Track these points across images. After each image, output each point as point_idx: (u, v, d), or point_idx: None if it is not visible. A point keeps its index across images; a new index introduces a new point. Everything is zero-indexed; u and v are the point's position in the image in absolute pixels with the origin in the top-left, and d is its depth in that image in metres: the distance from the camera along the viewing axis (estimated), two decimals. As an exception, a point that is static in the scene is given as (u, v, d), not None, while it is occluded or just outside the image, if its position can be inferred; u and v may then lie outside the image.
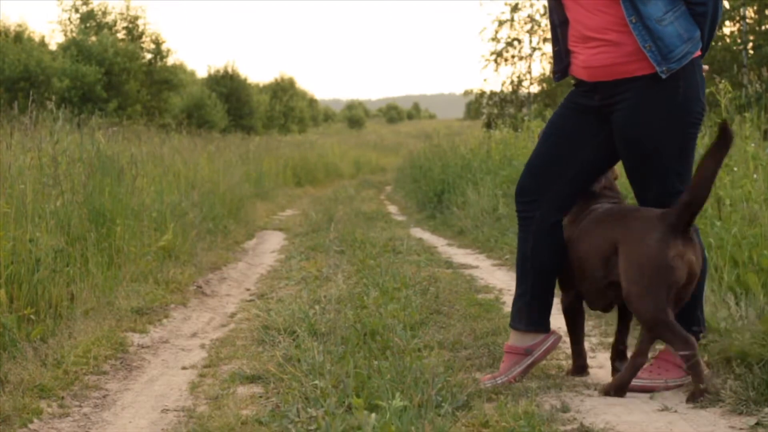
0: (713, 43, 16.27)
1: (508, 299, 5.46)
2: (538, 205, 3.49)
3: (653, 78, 3.30)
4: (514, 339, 3.55)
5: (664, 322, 3.23)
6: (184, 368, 4.00)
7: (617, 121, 3.38)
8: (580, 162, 3.47)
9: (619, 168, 3.74)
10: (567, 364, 3.83)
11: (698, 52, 3.35)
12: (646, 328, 3.28)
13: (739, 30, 15.43)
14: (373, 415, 2.79)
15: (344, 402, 3.10)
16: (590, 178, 3.53)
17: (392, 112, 72.54)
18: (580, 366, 3.65)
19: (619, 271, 3.31)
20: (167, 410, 3.36)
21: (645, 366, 3.39)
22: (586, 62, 3.40)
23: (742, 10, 15.19)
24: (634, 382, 3.37)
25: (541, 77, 29.73)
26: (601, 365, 3.83)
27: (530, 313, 3.51)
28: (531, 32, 29.84)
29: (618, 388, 3.35)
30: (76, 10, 28.64)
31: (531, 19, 29.75)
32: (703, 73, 3.43)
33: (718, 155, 3.16)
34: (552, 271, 3.53)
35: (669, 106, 3.30)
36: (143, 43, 28.45)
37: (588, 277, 3.45)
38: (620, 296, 3.35)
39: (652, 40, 3.26)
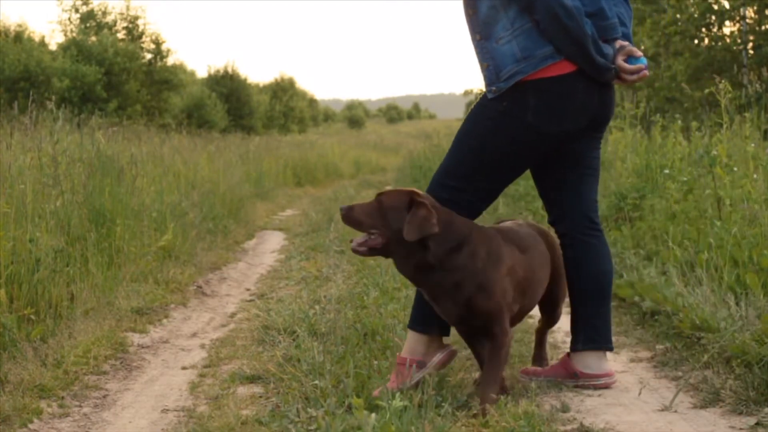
0: (713, 43, 16.31)
1: (508, 299, 5.46)
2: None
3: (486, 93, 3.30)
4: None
5: None
6: (184, 368, 4.00)
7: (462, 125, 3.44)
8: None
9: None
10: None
11: (546, 72, 3.21)
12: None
13: (739, 30, 15.42)
14: (373, 415, 2.79)
15: (344, 402, 3.10)
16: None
17: (392, 112, 72.55)
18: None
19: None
20: (167, 410, 3.36)
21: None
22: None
23: (742, 10, 15.19)
24: None
25: (541, 77, 29.70)
26: (601, 365, 3.83)
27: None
28: (531, 32, 29.80)
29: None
30: (76, 10, 28.62)
31: (531, 19, 29.72)
32: (630, 78, 3.33)
33: None
34: None
35: (488, 115, 3.28)
36: (143, 43, 28.43)
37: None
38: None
39: (490, 59, 3.24)
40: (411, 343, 3.39)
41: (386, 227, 3.11)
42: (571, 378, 3.48)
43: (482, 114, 3.31)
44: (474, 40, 3.29)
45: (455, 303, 3.15)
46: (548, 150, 3.34)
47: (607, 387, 3.46)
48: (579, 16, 3.18)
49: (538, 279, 3.39)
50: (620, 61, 3.33)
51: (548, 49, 3.19)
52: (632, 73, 3.35)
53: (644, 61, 3.37)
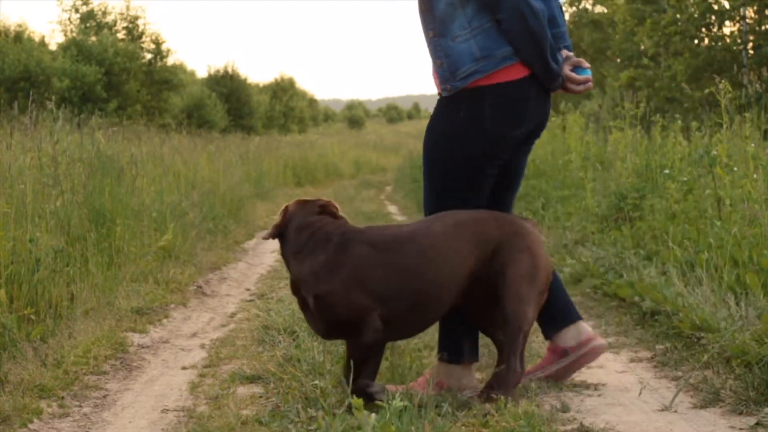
0: (713, 43, 16.32)
1: (508, 299, 5.46)
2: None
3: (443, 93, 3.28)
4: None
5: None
6: (184, 368, 4.00)
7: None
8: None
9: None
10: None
11: (503, 77, 3.18)
12: (521, 337, 3.21)
13: (739, 30, 15.42)
14: (373, 415, 2.79)
15: (344, 402, 3.10)
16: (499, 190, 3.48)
17: (392, 112, 72.52)
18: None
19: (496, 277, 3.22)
20: (167, 410, 3.36)
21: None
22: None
23: (742, 10, 15.19)
24: None
25: (541, 77, 29.70)
26: (601, 365, 3.83)
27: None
28: (531, 32, 29.81)
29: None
30: (76, 10, 28.62)
31: (531, 19, 29.72)
32: (577, 87, 3.33)
33: None
34: None
35: (447, 125, 3.25)
36: (143, 43, 28.43)
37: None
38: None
39: (444, 56, 3.21)
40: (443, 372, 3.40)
41: None
42: (562, 357, 3.45)
43: (440, 132, 3.28)
44: (427, 36, 3.25)
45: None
46: (504, 157, 3.32)
47: (599, 352, 3.45)
48: (544, 18, 3.18)
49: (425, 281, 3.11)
50: (567, 70, 3.34)
51: (507, 49, 3.18)
52: (580, 83, 3.35)
53: (589, 72, 3.39)
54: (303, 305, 3.12)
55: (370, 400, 2.98)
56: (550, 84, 3.26)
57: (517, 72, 3.20)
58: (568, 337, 3.46)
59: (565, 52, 3.36)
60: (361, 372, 3.06)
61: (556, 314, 3.45)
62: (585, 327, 3.50)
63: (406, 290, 3.05)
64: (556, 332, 3.47)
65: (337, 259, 3.03)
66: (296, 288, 3.11)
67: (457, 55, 3.18)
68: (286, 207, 3.22)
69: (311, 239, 3.09)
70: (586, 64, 3.38)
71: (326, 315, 3.03)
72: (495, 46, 3.16)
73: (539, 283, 3.14)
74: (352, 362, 3.05)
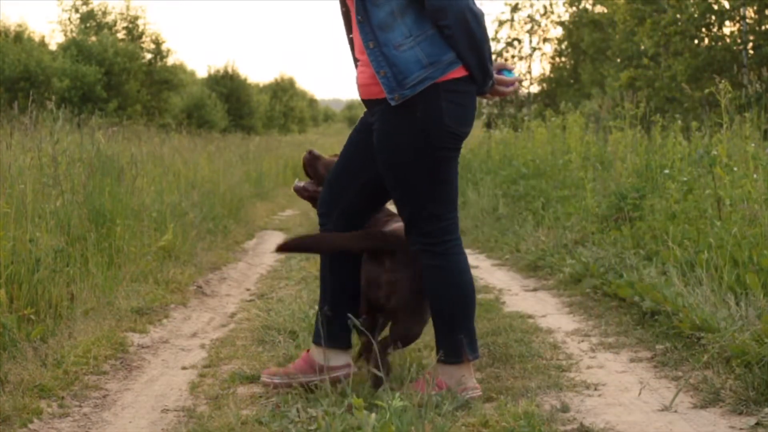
0: (713, 43, 16.33)
1: (508, 299, 5.47)
2: (329, 218, 3.45)
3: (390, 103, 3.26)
4: (314, 352, 3.47)
5: None
6: (184, 368, 4.00)
7: (374, 142, 3.34)
8: (368, 177, 3.42)
9: None
10: (566, 364, 3.83)
11: (450, 75, 3.19)
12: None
13: (739, 30, 15.43)
14: (373, 415, 2.79)
15: (344, 402, 3.10)
16: (380, 192, 3.45)
17: (392, 112, 72.44)
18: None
19: None
20: (167, 410, 3.36)
21: None
22: (357, 79, 3.39)
23: (742, 10, 15.20)
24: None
25: (541, 77, 29.74)
26: (601, 365, 3.84)
27: (329, 328, 3.41)
28: (531, 32, 29.86)
29: None
30: (76, 10, 28.64)
31: (531, 19, 29.78)
32: (508, 89, 3.37)
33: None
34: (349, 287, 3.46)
35: (408, 131, 3.22)
36: (143, 43, 28.45)
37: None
38: None
39: (387, 66, 3.19)
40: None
41: None
42: (313, 373, 3.43)
43: (399, 137, 3.24)
44: (367, 47, 3.23)
45: None
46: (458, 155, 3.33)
47: (345, 378, 3.40)
48: (485, 22, 3.22)
49: None
50: (495, 73, 3.37)
51: (452, 54, 3.20)
52: (509, 84, 3.39)
53: (515, 74, 3.43)
54: None
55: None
56: (484, 87, 3.30)
57: (461, 71, 3.23)
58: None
59: None
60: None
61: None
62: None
63: None
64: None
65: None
66: None
67: (403, 63, 3.18)
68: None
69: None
70: (511, 66, 3.43)
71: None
72: (440, 52, 3.19)
73: None
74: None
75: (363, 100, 3.38)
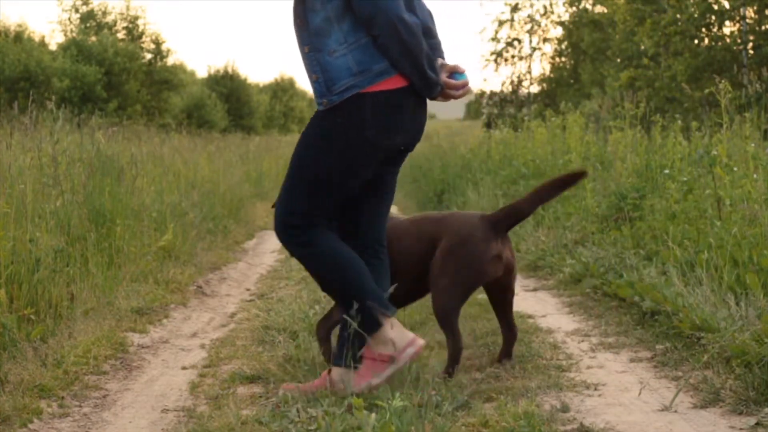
0: (713, 43, 16.32)
1: (508, 299, 5.46)
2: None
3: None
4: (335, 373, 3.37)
5: (453, 318, 3.56)
6: (184, 368, 4.00)
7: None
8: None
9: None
10: (566, 364, 3.83)
11: (381, 86, 3.20)
12: (438, 317, 3.60)
13: (739, 30, 15.43)
14: (373, 415, 2.79)
15: (344, 402, 3.10)
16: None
17: (392, 112, 72.41)
18: None
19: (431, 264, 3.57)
20: (167, 410, 3.36)
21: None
22: None
23: (742, 10, 15.20)
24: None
25: (541, 77, 29.76)
26: (601, 365, 3.84)
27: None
28: (531, 32, 29.88)
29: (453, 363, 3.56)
30: (76, 10, 28.65)
31: (531, 19, 29.80)
32: (458, 93, 3.36)
33: (558, 188, 3.69)
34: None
35: (324, 133, 3.25)
36: (143, 43, 28.46)
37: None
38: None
39: (320, 72, 3.22)
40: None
41: None
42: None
43: (316, 134, 3.29)
44: (302, 51, 3.26)
45: None
46: (380, 165, 3.33)
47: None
48: (418, 31, 3.21)
49: None
50: (445, 77, 3.36)
51: (384, 64, 3.20)
52: (458, 88, 3.38)
53: (465, 76, 3.42)
54: None
55: None
56: (429, 93, 3.30)
57: (395, 82, 3.23)
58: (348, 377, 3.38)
59: (440, 61, 3.39)
60: None
61: None
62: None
63: None
64: None
65: None
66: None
67: (334, 70, 3.20)
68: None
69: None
70: (462, 69, 3.41)
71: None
72: (371, 60, 3.19)
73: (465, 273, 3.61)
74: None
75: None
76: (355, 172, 3.30)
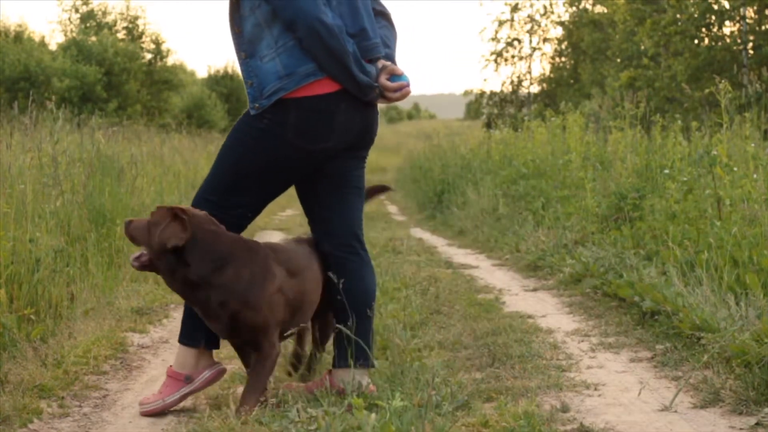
0: (713, 43, 16.32)
1: (508, 299, 5.47)
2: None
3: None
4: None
5: None
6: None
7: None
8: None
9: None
10: (566, 364, 3.83)
11: (308, 91, 3.21)
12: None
13: (739, 30, 15.43)
14: (373, 415, 2.79)
15: (344, 402, 3.10)
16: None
17: (392, 112, 72.51)
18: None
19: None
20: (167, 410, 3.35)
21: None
22: None
23: (742, 10, 15.20)
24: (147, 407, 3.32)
25: (541, 77, 29.77)
26: (601, 365, 3.84)
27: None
28: (531, 32, 29.89)
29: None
30: (76, 10, 28.65)
31: (531, 19, 29.82)
32: (392, 96, 3.34)
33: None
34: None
35: (248, 132, 3.26)
36: (143, 43, 28.46)
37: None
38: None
39: (254, 77, 3.23)
40: (180, 357, 3.38)
41: (149, 243, 3.14)
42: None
43: (244, 132, 3.30)
44: (240, 58, 3.28)
45: (221, 319, 3.16)
46: (308, 168, 3.33)
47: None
48: (340, 34, 3.19)
49: (310, 299, 3.35)
50: (383, 79, 3.34)
51: (310, 66, 3.20)
52: (395, 90, 3.36)
53: (406, 78, 3.39)
54: (205, 304, 3.16)
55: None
56: (363, 96, 3.28)
57: (324, 87, 3.22)
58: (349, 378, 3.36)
59: (381, 62, 3.37)
60: (268, 374, 3.23)
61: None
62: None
63: (299, 308, 3.30)
64: None
65: (265, 273, 3.17)
66: (204, 289, 3.14)
67: (264, 74, 3.21)
68: (183, 214, 3.18)
69: (236, 252, 3.17)
70: (400, 71, 3.39)
71: (248, 321, 3.15)
72: (298, 63, 3.20)
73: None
74: (260, 367, 3.20)
75: None
76: (277, 175, 3.30)
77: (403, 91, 3.36)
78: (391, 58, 3.41)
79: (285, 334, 3.28)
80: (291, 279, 3.24)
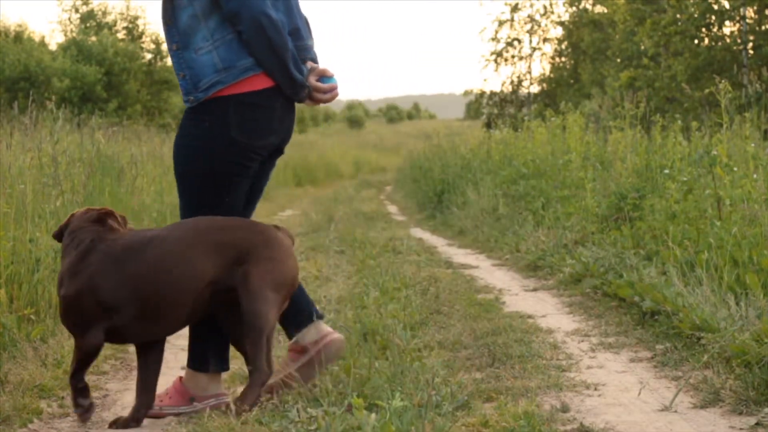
0: (713, 43, 16.32)
1: (508, 299, 5.47)
2: None
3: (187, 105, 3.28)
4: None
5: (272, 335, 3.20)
6: (184, 368, 3.99)
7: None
8: None
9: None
10: (566, 364, 3.83)
11: (247, 87, 3.20)
12: (265, 339, 3.13)
13: (739, 30, 15.43)
14: (373, 415, 2.79)
15: (344, 402, 3.10)
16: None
17: (392, 112, 72.48)
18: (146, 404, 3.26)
19: (238, 284, 3.11)
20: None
21: (161, 393, 3.34)
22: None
23: (742, 10, 15.20)
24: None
25: (541, 77, 29.76)
26: (601, 365, 3.84)
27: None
28: (531, 32, 29.89)
29: (253, 402, 3.14)
30: (76, 10, 28.63)
31: (531, 19, 29.81)
32: (324, 95, 3.34)
33: None
34: None
35: (198, 139, 3.24)
36: (143, 43, 28.43)
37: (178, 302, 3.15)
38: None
39: (187, 69, 3.22)
40: (192, 377, 3.37)
41: None
42: (303, 354, 3.36)
43: (187, 145, 3.28)
44: (171, 49, 3.26)
45: None
46: (255, 166, 3.32)
47: (337, 344, 3.39)
48: (283, 29, 3.20)
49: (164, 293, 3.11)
50: (313, 80, 3.35)
51: (249, 61, 3.20)
52: (326, 92, 3.37)
53: (335, 80, 3.40)
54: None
55: (78, 395, 3.13)
56: (295, 95, 3.29)
57: (261, 82, 3.23)
58: (308, 335, 3.38)
59: (310, 64, 3.39)
60: (76, 370, 3.15)
61: (297, 314, 3.39)
62: (323, 325, 3.43)
63: (136, 298, 3.08)
64: (297, 331, 3.40)
65: (77, 266, 3.10)
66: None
67: (199, 67, 3.20)
68: (72, 213, 3.26)
69: (71, 243, 3.16)
70: (330, 73, 3.40)
71: (62, 317, 3.14)
72: (236, 57, 3.20)
73: (283, 291, 3.18)
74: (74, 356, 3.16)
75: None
76: (237, 171, 3.27)
77: (333, 93, 3.39)
78: (315, 61, 3.43)
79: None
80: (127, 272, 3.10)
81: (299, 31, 3.37)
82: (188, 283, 3.09)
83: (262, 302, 3.11)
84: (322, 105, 3.54)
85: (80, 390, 3.15)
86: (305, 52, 3.38)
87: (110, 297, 3.06)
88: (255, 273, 3.11)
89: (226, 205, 3.28)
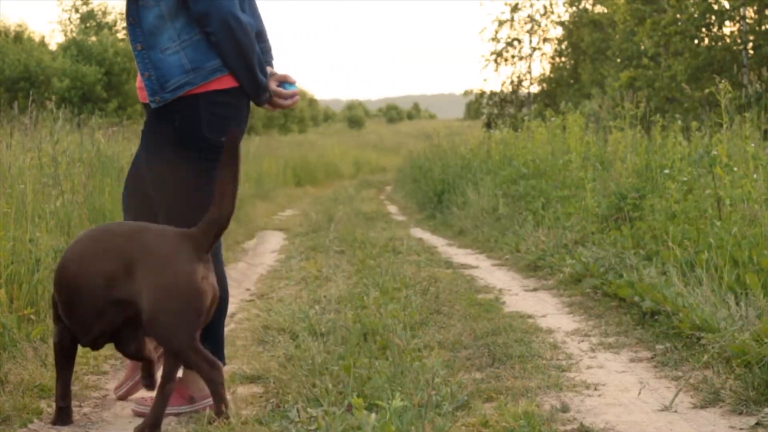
0: (713, 43, 16.32)
1: (509, 299, 5.47)
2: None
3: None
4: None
5: (194, 348, 2.97)
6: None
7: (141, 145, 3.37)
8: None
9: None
10: (566, 364, 3.83)
11: (214, 86, 3.19)
12: (173, 355, 2.99)
13: (739, 30, 15.44)
14: (373, 415, 2.80)
15: (344, 402, 3.10)
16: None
17: (392, 112, 72.48)
18: (64, 412, 3.17)
19: (135, 294, 2.95)
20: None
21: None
22: (137, 83, 3.40)
23: (742, 10, 15.21)
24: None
25: (541, 77, 29.77)
26: (601, 365, 3.84)
27: None
28: (531, 32, 29.91)
29: (153, 425, 2.99)
30: (76, 10, 28.65)
31: (531, 19, 29.83)
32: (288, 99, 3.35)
33: (230, 172, 3.04)
34: None
35: (165, 137, 3.23)
36: (143, 43, 28.42)
37: (83, 304, 3.06)
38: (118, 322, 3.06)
39: (153, 69, 3.20)
40: (191, 377, 3.30)
41: None
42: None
43: (160, 148, 3.25)
44: (135, 49, 3.25)
45: None
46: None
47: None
48: (252, 31, 3.21)
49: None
50: (274, 85, 3.36)
51: (217, 62, 3.20)
52: (286, 97, 3.38)
53: (296, 87, 3.41)
54: None
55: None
56: (257, 98, 3.29)
57: (228, 82, 3.22)
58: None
59: (270, 69, 3.39)
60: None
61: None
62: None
63: (65, 306, 3.11)
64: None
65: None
66: None
67: (166, 67, 3.19)
68: None
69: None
70: (293, 79, 3.41)
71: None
72: (205, 58, 3.19)
73: (181, 300, 2.94)
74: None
75: (143, 104, 3.39)
76: (205, 169, 3.25)
77: (294, 99, 3.40)
78: (272, 65, 3.44)
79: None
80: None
81: (263, 34, 3.39)
82: (90, 294, 3.05)
83: (157, 321, 2.94)
84: (292, 108, 3.55)
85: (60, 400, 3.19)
86: (266, 55, 3.39)
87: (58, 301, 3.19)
88: (146, 285, 2.95)
89: (204, 198, 3.24)
